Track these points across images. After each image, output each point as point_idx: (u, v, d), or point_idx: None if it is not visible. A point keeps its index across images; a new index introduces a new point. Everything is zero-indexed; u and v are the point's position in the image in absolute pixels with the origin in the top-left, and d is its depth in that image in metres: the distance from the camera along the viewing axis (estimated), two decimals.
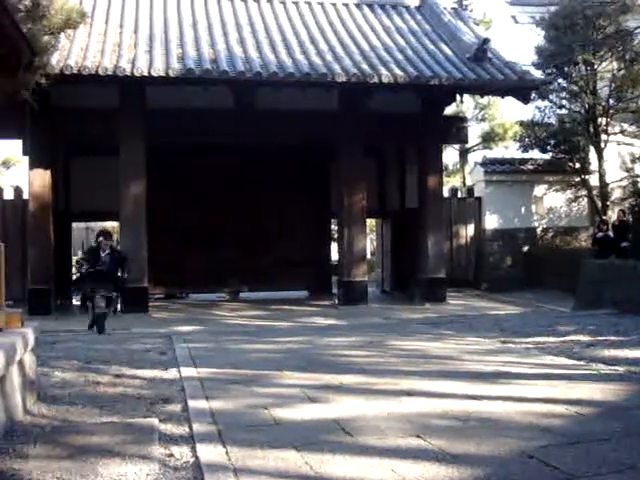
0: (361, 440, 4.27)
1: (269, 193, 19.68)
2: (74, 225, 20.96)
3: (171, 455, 4.18)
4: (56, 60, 13.92)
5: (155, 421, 4.89)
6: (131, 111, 15.40)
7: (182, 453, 4.21)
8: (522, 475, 3.56)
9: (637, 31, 15.86)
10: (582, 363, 6.92)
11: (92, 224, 25.19)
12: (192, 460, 4.08)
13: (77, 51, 14.71)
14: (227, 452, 4.09)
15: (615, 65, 19.73)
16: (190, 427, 4.73)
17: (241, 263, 19.46)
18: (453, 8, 19.26)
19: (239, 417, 4.96)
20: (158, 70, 14.18)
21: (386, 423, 4.63)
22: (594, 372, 6.41)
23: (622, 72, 19.62)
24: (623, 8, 17.92)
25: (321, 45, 16.50)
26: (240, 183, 19.22)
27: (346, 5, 18.95)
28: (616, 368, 6.51)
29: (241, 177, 19.22)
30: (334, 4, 18.87)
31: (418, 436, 4.30)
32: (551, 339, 8.73)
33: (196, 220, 18.96)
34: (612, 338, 8.47)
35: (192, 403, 5.37)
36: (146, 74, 14.13)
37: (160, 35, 15.86)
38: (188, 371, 6.81)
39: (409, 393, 5.49)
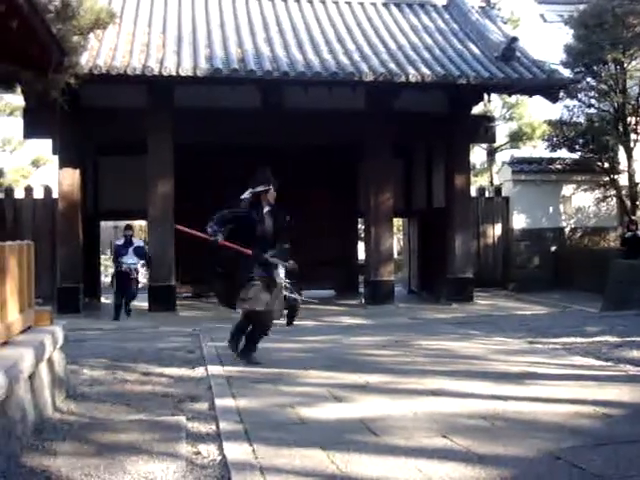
0: (387, 440, 4.28)
1: (297, 192, 19.63)
2: (102, 224, 21.12)
3: (198, 453, 4.21)
4: (85, 60, 14.02)
5: (182, 419, 4.92)
6: (159, 111, 15.49)
7: (209, 451, 4.24)
8: (549, 476, 3.55)
9: None
10: (610, 364, 6.86)
11: (120, 223, 25.39)
12: (219, 458, 4.10)
13: (106, 51, 14.83)
14: (254, 450, 4.11)
15: None
16: (217, 425, 4.76)
17: None
18: (481, 7, 19.15)
19: (265, 416, 4.98)
20: (186, 70, 14.25)
21: (412, 423, 4.63)
22: (622, 373, 6.36)
23: None
24: None
25: (348, 44, 16.50)
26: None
27: (374, 4, 18.93)
28: None
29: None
30: (361, 3, 18.87)
31: (444, 436, 4.29)
32: (579, 340, 8.67)
33: None
34: None
35: (219, 401, 5.40)
36: (174, 74, 14.21)
37: (188, 35, 15.94)
38: (215, 370, 6.84)
39: (435, 393, 5.48)
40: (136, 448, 4.21)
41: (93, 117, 15.56)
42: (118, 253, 14.78)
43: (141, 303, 15.80)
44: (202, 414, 5.14)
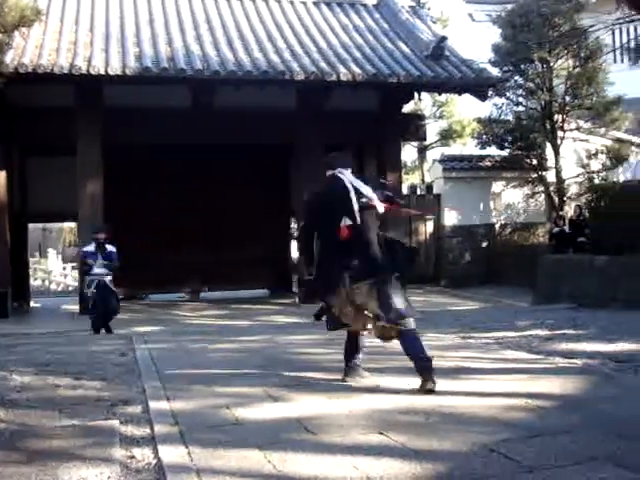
0: (323, 438, 4.27)
1: (229, 192, 19.62)
2: (31, 226, 20.68)
3: (132, 457, 4.13)
4: (10, 59, 13.72)
5: (116, 423, 4.83)
6: (88, 110, 15.23)
7: (144, 455, 4.17)
8: (484, 469, 3.59)
9: (592, 29, 16.05)
10: (541, 357, 6.99)
11: (49, 225, 24.91)
12: (154, 462, 4.03)
13: (32, 49, 14.53)
14: (189, 453, 4.06)
15: (570, 63, 19.99)
16: (151, 428, 4.68)
17: (201, 263, 19.39)
18: (411, 6, 19.36)
19: (201, 417, 4.93)
20: (115, 69, 14.06)
21: (348, 420, 4.63)
22: (553, 366, 6.48)
23: (577, 69, 19.91)
24: (578, 6, 18.21)
25: (279, 43, 16.48)
26: (200, 182, 19.14)
27: (304, 3, 18.96)
28: (574, 361, 6.59)
29: (201, 176, 19.14)
30: (292, 2, 18.89)
31: (380, 433, 4.30)
32: (510, 333, 8.81)
33: (156, 220, 18.84)
34: (570, 332, 8.58)
35: (153, 404, 5.32)
36: (103, 73, 14.01)
37: (116, 33, 15.72)
38: (149, 372, 6.74)
39: (370, 390, 5.49)
40: (69, 454, 4.12)
41: (20, 117, 15.25)
42: (87, 263, 12.52)
43: (73, 306, 15.54)
44: (136, 417, 5.05)
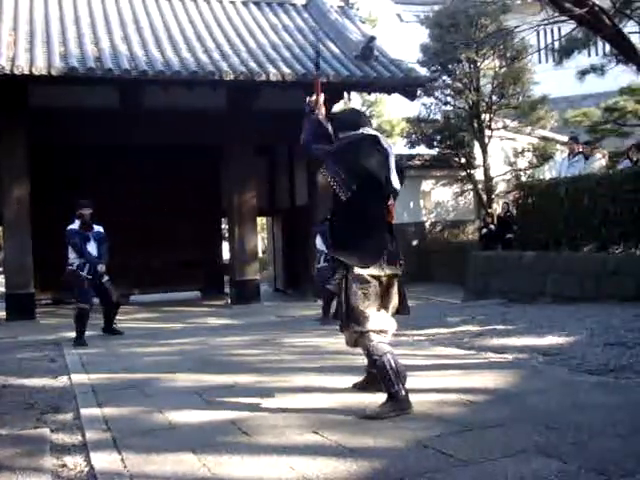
0: (258, 439, 4.26)
1: (159, 193, 19.41)
2: None
3: (64, 465, 4.06)
4: None
5: (46, 431, 4.74)
6: (11, 111, 14.87)
7: (76, 463, 4.10)
8: (418, 464, 3.62)
9: (517, 30, 16.37)
10: (473, 352, 7.09)
11: None
12: (86, 469, 3.97)
13: None
14: (122, 459, 4.00)
15: (497, 63, 20.39)
16: (83, 435, 4.61)
17: (131, 265, 19.11)
18: (339, 6, 19.42)
19: (134, 423, 4.86)
20: (40, 69, 13.75)
21: (283, 421, 4.63)
22: (484, 361, 6.58)
23: (504, 70, 20.32)
24: (503, 8, 18.57)
25: (208, 43, 16.37)
26: (129, 183, 18.88)
27: (232, 2, 18.86)
28: (505, 356, 6.71)
29: (130, 177, 18.89)
30: (220, 1, 18.76)
31: (315, 432, 4.31)
32: (442, 330, 8.93)
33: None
34: (500, 327, 8.72)
35: (84, 411, 5.23)
36: (27, 73, 13.68)
37: (41, 32, 15.38)
38: (79, 378, 6.64)
39: (304, 390, 5.50)
40: None
41: None
42: (81, 244, 10.55)
43: None
44: (67, 425, 4.96)
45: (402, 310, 5.05)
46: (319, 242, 11.57)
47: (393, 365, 4.63)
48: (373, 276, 4.73)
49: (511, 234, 15.90)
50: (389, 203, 4.91)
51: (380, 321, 4.78)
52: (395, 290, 4.93)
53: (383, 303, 4.86)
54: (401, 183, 4.95)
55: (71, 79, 14.23)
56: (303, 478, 3.55)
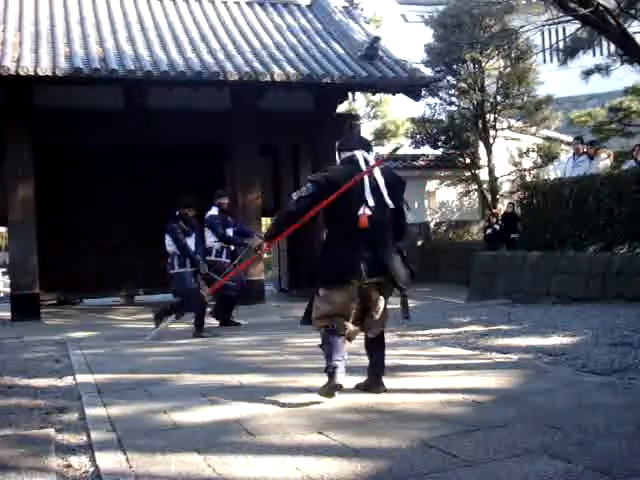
0: (263, 439, 4.26)
1: (165, 193, 19.38)
2: None
3: (69, 466, 4.06)
4: None
5: (51, 431, 4.74)
6: (16, 111, 14.89)
7: (81, 463, 4.10)
8: (423, 465, 3.62)
9: (522, 30, 16.38)
10: (477, 352, 7.09)
11: None
12: (92, 470, 3.97)
13: None
14: (128, 459, 4.00)
15: (501, 63, 20.39)
16: (88, 436, 4.61)
17: (136, 266, 19.13)
18: (344, 7, 19.41)
19: (139, 423, 4.87)
20: (45, 69, 13.77)
21: (288, 421, 4.63)
22: (489, 361, 6.58)
23: (508, 70, 20.30)
24: (508, 8, 18.54)
25: (212, 43, 16.37)
26: (135, 183, 18.88)
27: (237, 3, 18.86)
28: (509, 356, 6.70)
29: (137, 177, 18.87)
30: (225, 2, 18.76)
31: (320, 432, 4.31)
32: (447, 330, 8.93)
33: (90, 222, 18.56)
34: (505, 327, 8.72)
35: (89, 411, 5.24)
36: (32, 74, 13.70)
37: (46, 33, 15.40)
38: (84, 378, 6.64)
39: (309, 390, 5.49)
40: (2, 465, 4.02)
41: None
42: (222, 229, 11.10)
43: (3, 313, 15.21)
44: (72, 425, 4.97)
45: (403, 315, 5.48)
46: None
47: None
48: (341, 288, 5.11)
49: (516, 234, 15.89)
50: (359, 213, 5.08)
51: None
52: (379, 296, 5.23)
53: (365, 311, 5.24)
54: (398, 193, 5.32)
55: (76, 80, 14.24)
56: (308, 478, 3.55)
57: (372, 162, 5.29)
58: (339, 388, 5.00)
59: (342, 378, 5.02)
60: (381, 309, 5.27)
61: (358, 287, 5.08)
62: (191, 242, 10.54)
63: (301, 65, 15.86)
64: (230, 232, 11.11)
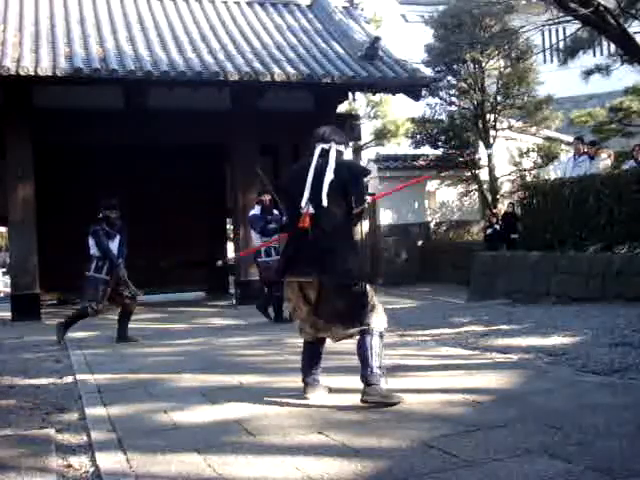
0: (263, 439, 4.26)
1: (165, 193, 19.43)
2: None
3: (70, 466, 4.06)
4: None
5: (51, 431, 4.74)
6: (16, 111, 14.90)
7: (81, 463, 4.10)
8: (423, 465, 3.62)
9: (522, 30, 16.38)
10: (477, 352, 7.09)
11: None
12: (92, 470, 3.98)
13: None
14: (128, 459, 4.00)
15: (502, 63, 20.36)
16: (88, 435, 4.61)
17: (136, 266, 19.07)
18: (344, 7, 19.42)
19: (139, 423, 4.87)
20: (45, 69, 13.78)
21: (288, 421, 4.63)
22: (489, 361, 6.58)
23: (508, 70, 20.28)
24: (508, 8, 18.53)
25: (213, 43, 16.38)
26: (135, 183, 18.88)
27: (237, 3, 18.87)
28: (510, 356, 6.70)
29: (137, 177, 18.89)
30: (225, 2, 18.77)
31: (320, 432, 4.31)
32: (447, 330, 8.92)
33: (90, 223, 18.54)
34: (505, 327, 8.72)
35: (89, 411, 5.24)
36: (32, 74, 13.71)
37: (46, 33, 15.40)
38: (84, 378, 6.65)
39: None
40: (2, 465, 4.02)
41: None
42: (263, 226, 11.56)
43: (4, 313, 15.21)
44: (72, 425, 4.97)
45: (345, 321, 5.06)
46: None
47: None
48: (290, 282, 5.11)
49: (516, 234, 15.89)
50: (303, 211, 4.96)
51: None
52: (326, 297, 4.98)
53: (314, 309, 5.08)
54: (357, 189, 5.10)
55: (76, 80, 14.25)
56: (308, 478, 3.55)
57: (333, 154, 5.12)
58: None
59: (311, 393, 5.19)
60: (328, 311, 5.03)
61: (299, 286, 5.04)
62: (114, 245, 10.44)
63: (301, 65, 15.87)
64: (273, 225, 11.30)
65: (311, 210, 4.93)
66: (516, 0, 19.16)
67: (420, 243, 20.97)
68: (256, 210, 11.76)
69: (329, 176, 4.97)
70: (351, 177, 5.10)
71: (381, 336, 5.00)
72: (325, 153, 5.12)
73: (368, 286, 5.04)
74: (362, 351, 4.96)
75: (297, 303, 5.14)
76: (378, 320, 5.01)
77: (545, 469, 3.43)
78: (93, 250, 10.21)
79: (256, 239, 11.79)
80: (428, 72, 18.97)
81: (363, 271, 5.21)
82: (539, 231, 12.75)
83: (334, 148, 5.18)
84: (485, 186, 20.82)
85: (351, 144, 30.51)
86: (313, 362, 5.30)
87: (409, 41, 24.00)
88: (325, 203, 4.90)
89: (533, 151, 21.40)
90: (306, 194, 4.95)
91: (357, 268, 5.05)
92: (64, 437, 4.64)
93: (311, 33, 17.98)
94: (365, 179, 5.51)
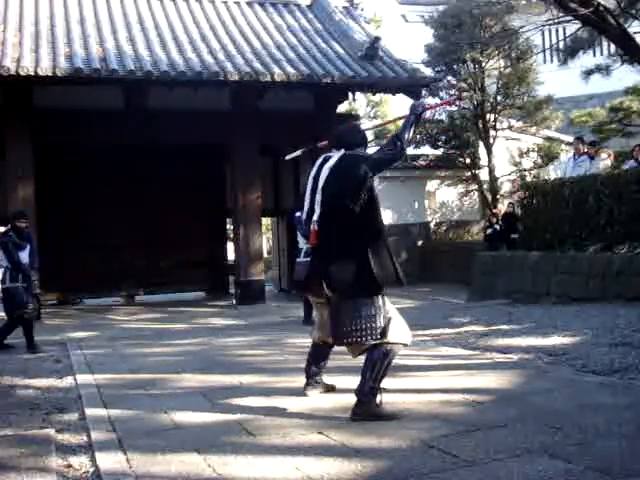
0: (264, 439, 4.26)
1: (165, 193, 19.41)
2: None
3: (70, 466, 4.06)
4: None
5: (52, 432, 4.75)
6: (16, 111, 14.87)
7: (81, 463, 4.10)
8: (424, 465, 3.62)
9: (522, 30, 16.37)
10: (477, 352, 7.09)
11: None
12: (92, 470, 3.98)
13: None
14: (128, 459, 4.00)
15: (502, 63, 20.36)
16: (88, 436, 4.62)
17: (137, 266, 19.17)
18: (344, 7, 19.40)
19: (139, 423, 4.87)
20: (45, 69, 13.76)
21: (288, 421, 4.63)
22: (489, 361, 6.58)
23: (508, 70, 20.27)
24: (508, 8, 18.53)
25: (213, 43, 16.36)
26: (135, 183, 18.89)
27: (237, 3, 18.85)
28: (510, 356, 6.71)
29: (137, 177, 18.88)
30: (225, 2, 18.75)
31: (320, 432, 4.31)
32: (447, 330, 8.93)
33: (90, 222, 18.58)
34: (505, 327, 8.72)
35: (89, 411, 5.24)
36: (32, 74, 13.69)
37: (46, 33, 15.38)
38: (84, 378, 6.65)
39: None
40: (3, 465, 4.02)
41: None
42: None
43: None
44: (72, 425, 4.97)
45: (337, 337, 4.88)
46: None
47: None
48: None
49: (516, 234, 15.88)
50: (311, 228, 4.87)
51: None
52: (336, 313, 4.81)
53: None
54: (356, 193, 4.76)
55: (76, 80, 14.23)
56: (308, 478, 3.55)
57: (335, 158, 4.87)
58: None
59: (312, 392, 5.31)
60: (332, 319, 4.85)
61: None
62: (24, 255, 9.85)
63: (301, 65, 15.85)
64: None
65: (316, 227, 4.82)
66: (516, 0, 19.16)
67: (420, 243, 20.97)
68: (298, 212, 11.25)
69: (321, 184, 4.83)
70: (351, 175, 4.77)
71: (390, 352, 4.73)
72: (326, 161, 4.93)
73: (380, 298, 4.82)
74: (364, 365, 4.78)
75: (318, 309, 5.35)
76: (394, 334, 4.74)
77: (545, 469, 3.44)
78: (4, 262, 9.92)
79: (302, 243, 11.36)
80: (428, 72, 18.96)
81: (382, 277, 4.94)
82: (539, 231, 12.74)
83: (337, 155, 4.90)
84: (485, 186, 20.82)
85: None
86: (318, 363, 5.32)
87: (409, 41, 24.01)
88: (321, 217, 4.82)
89: (533, 151, 21.41)
90: (305, 209, 4.96)
91: (368, 277, 4.79)
92: (64, 437, 4.64)
93: (311, 33, 17.97)
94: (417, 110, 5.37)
